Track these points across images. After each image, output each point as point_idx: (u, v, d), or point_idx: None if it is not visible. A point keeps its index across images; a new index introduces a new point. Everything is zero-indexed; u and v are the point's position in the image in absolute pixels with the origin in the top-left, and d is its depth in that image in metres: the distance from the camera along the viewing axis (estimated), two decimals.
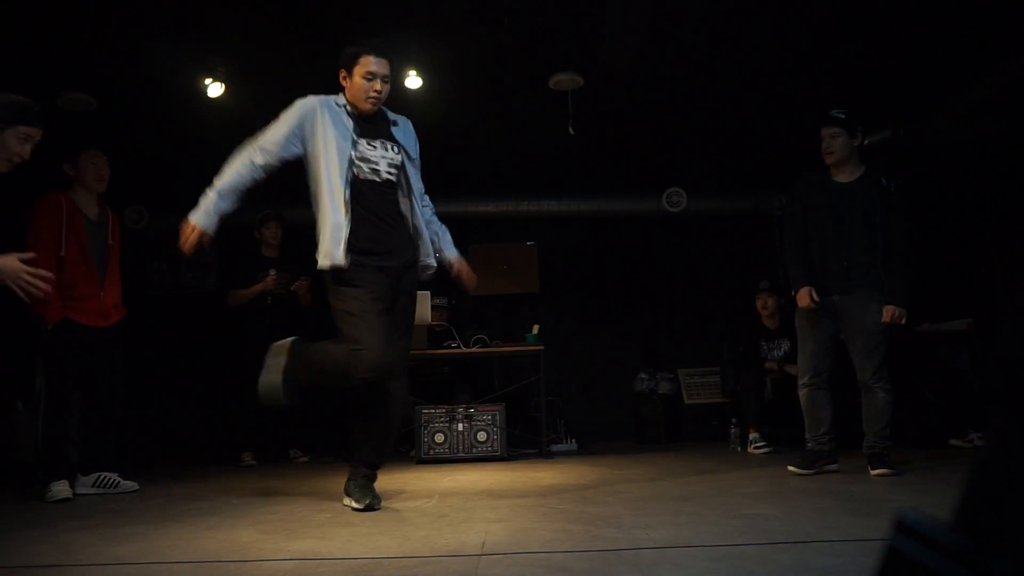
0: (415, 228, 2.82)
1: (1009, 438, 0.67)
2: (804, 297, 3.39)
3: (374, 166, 2.71)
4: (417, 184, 2.89)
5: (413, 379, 5.42)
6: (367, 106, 2.73)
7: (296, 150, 2.71)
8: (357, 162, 2.67)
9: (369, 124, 2.77)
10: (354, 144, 2.67)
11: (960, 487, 0.65)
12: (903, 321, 3.26)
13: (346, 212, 2.61)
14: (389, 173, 2.75)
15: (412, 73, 4.47)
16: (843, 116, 3.40)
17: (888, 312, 3.22)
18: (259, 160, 2.69)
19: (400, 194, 2.78)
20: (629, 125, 5.38)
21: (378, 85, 2.70)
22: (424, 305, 4.85)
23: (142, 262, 6.24)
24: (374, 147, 2.73)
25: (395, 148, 2.79)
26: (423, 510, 2.63)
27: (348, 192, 2.63)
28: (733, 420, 4.98)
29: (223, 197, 2.71)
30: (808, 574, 1.55)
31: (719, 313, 6.25)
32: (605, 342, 6.42)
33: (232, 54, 4.22)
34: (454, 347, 4.89)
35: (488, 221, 6.49)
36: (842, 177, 3.43)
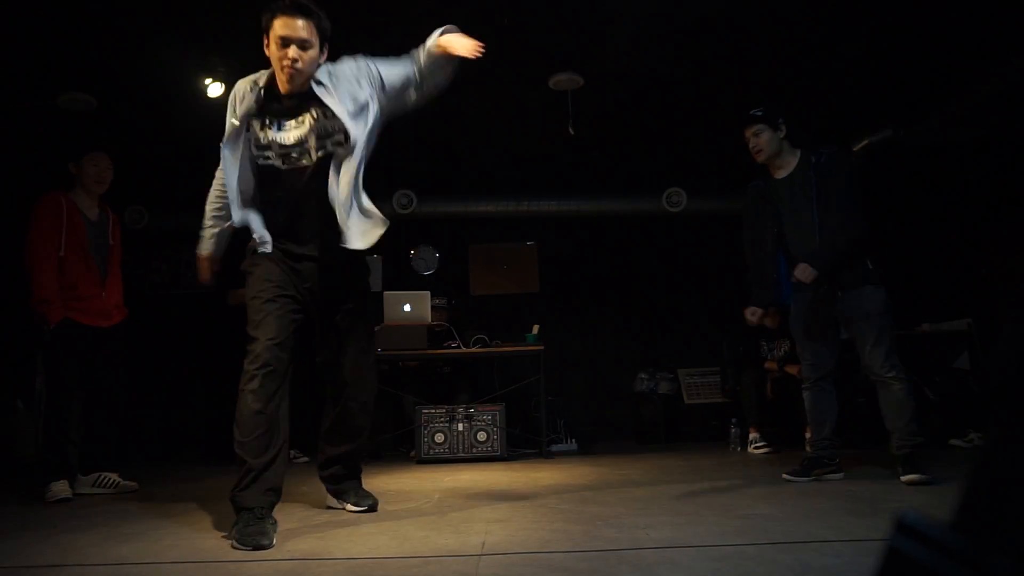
0: (348, 209, 2.39)
1: (1009, 438, 0.67)
2: (748, 315, 3.46)
3: (285, 151, 2.35)
4: (359, 150, 2.40)
5: (413, 379, 5.43)
6: (283, 77, 2.31)
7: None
8: (255, 150, 2.36)
9: (288, 101, 2.36)
10: (248, 128, 2.35)
11: (960, 487, 0.65)
12: (806, 279, 3.14)
13: (241, 204, 2.38)
14: (301, 155, 2.35)
15: None
16: (760, 112, 3.36)
17: (797, 268, 3.16)
18: (220, 175, 2.53)
19: (322, 174, 2.37)
20: (629, 125, 5.38)
21: (292, 52, 2.24)
22: (424, 305, 4.85)
23: (142, 262, 6.24)
24: (284, 129, 2.35)
25: (318, 115, 2.34)
26: (423, 510, 2.63)
27: (244, 184, 2.37)
28: (733, 420, 4.98)
29: (210, 219, 2.63)
30: (808, 574, 1.55)
31: (719, 313, 6.25)
32: (605, 342, 6.43)
33: (232, 54, 4.22)
34: (454, 347, 4.89)
35: (488, 221, 6.49)
36: (781, 172, 3.37)
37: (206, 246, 2.66)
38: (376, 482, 3.58)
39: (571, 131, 4.85)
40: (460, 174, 6.10)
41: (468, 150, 5.64)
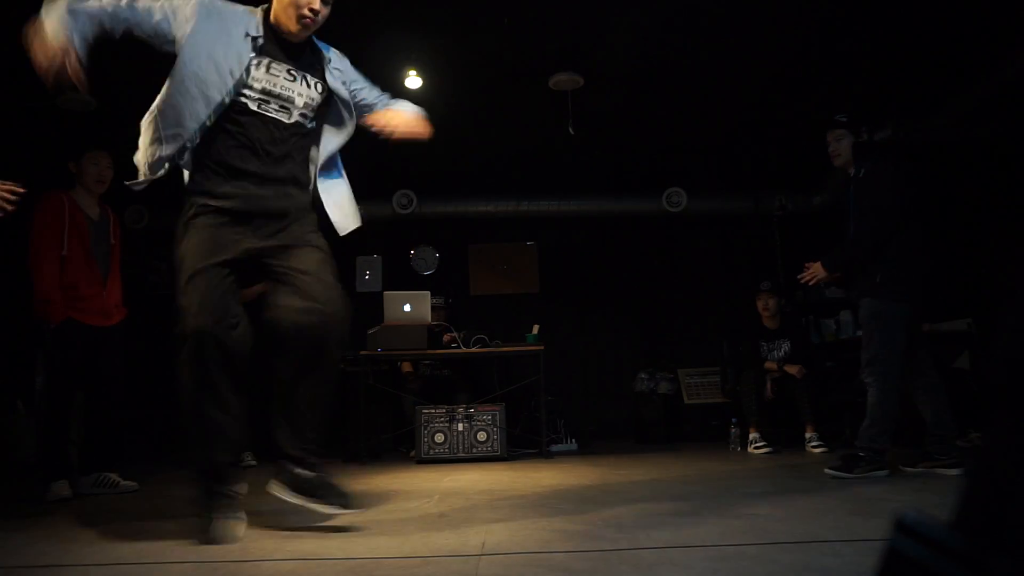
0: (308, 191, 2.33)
1: (1009, 438, 0.67)
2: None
3: (284, 103, 2.22)
4: (333, 139, 2.38)
5: (413, 379, 5.44)
6: (295, 28, 2.19)
7: (151, 25, 2.11)
8: (249, 90, 2.16)
9: (292, 48, 2.25)
10: (251, 64, 2.15)
11: (960, 487, 0.65)
12: (810, 282, 3.41)
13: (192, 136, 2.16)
14: (302, 115, 2.27)
15: (412, 73, 4.47)
16: (845, 119, 3.47)
17: (813, 265, 3.38)
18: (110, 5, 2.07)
19: (304, 145, 2.31)
20: (629, 125, 5.38)
21: (317, 3, 2.16)
22: (424, 305, 4.85)
23: (142, 262, 6.24)
24: (292, 78, 2.23)
25: (320, 87, 2.30)
26: (423, 510, 2.63)
27: (211, 119, 2.14)
28: (733, 420, 4.98)
29: (76, 17, 2.03)
30: (808, 574, 1.54)
31: (719, 313, 6.26)
32: (605, 342, 6.43)
33: None
34: (454, 347, 4.89)
35: (488, 221, 6.49)
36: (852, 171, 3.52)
37: (69, 37, 2.01)
38: (376, 482, 3.58)
39: (571, 131, 4.85)
40: (460, 174, 6.10)
41: (468, 150, 5.64)
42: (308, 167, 2.38)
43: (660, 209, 6.27)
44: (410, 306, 4.80)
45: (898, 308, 3.19)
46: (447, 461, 4.43)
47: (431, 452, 4.49)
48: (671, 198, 6.24)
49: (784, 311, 5.09)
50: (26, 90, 4.34)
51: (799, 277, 3.49)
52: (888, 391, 3.16)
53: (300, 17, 2.17)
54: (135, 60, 4.15)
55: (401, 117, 2.45)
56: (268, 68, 2.19)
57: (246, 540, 2.15)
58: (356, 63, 2.50)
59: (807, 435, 4.53)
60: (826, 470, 3.21)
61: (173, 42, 2.13)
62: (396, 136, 2.43)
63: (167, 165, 2.27)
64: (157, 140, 2.24)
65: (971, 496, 0.67)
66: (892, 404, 3.16)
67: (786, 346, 4.93)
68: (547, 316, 5.62)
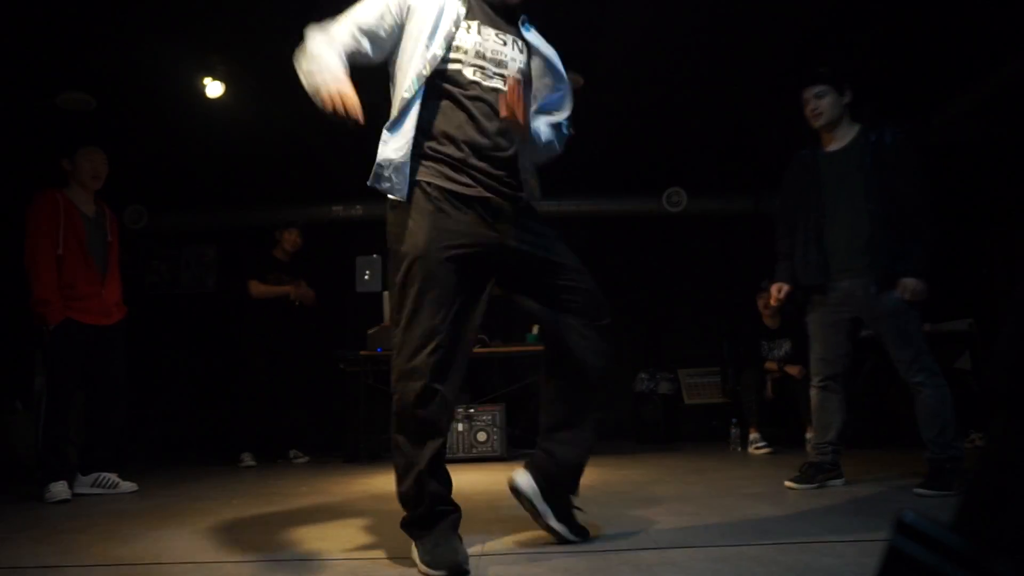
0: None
1: (1010, 439, 0.67)
2: (774, 291, 3.10)
3: (499, 70, 1.90)
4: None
5: None
6: None
7: (389, 26, 1.86)
8: (460, 54, 1.86)
9: (499, 10, 1.98)
10: (456, 27, 1.85)
11: (961, 487, 0.65)
12: (923, 297, 2.72)
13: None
14: (493, 75, 1.91)
15: None
16: (826, 71, 2.99)
17: (902, 286, 2.72)
18: (355, 42, 1.84)
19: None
20: (629, 125, 5.38)
21: None
22: None
23: (141, 262, 6.24)
24: (503, 42, 1.93)
25: (524, 52, 2.00)
26: None
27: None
28: (733, 420, 4.98)
29: (334, 48, 1.79)
30: (809, 574, 1.54)
31: (719, 313, 6.25)
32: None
33: (232, 54, 4.22)
34: None
35: None
36: (833, 145, 3.01)
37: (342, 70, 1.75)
38: (376, 482, 3.58)
39: (571, 131, 4.84)
40: None
41: None
42: None
43: (660, 209, 6.27)
44: None
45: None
46: (447, 461, 4.42)
47: None
48: (671, 198, 6.23)
49: (785, 310, 5.09)
50: (25, 90, 4.35)
51: (906, 301, 2.74)
52: (943, 385, 2.72)
53: None
54: (134, 60, 4.17)
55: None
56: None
57: (246, 540, 2.15)
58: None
59: (807, 435, 4.52)
60: (916, 490, 2.63)
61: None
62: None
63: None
64: None
65: (972, 496, 0.67)
66: (950, 397, 2.71)
67: (787, 346, 4.93)
68: None
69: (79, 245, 3.41)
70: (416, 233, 1.81)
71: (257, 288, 4.90)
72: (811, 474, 2.95)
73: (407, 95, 1.81)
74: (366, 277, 6.30)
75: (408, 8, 1.87)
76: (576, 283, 2.02)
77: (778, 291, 3.10)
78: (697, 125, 5.40)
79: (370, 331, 4.77)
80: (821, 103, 2.98)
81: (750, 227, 6.50)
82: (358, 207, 6.07)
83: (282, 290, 4.92)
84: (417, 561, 1.72)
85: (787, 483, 2.95)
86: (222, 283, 6.25)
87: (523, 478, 1.97)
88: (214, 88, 4.32)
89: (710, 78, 4.70)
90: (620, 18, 3.97)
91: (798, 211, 3.06)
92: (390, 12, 1.86)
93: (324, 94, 1.69)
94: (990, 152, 5.21)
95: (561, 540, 1.93)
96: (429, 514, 1.76)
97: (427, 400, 1.75)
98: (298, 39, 1.82)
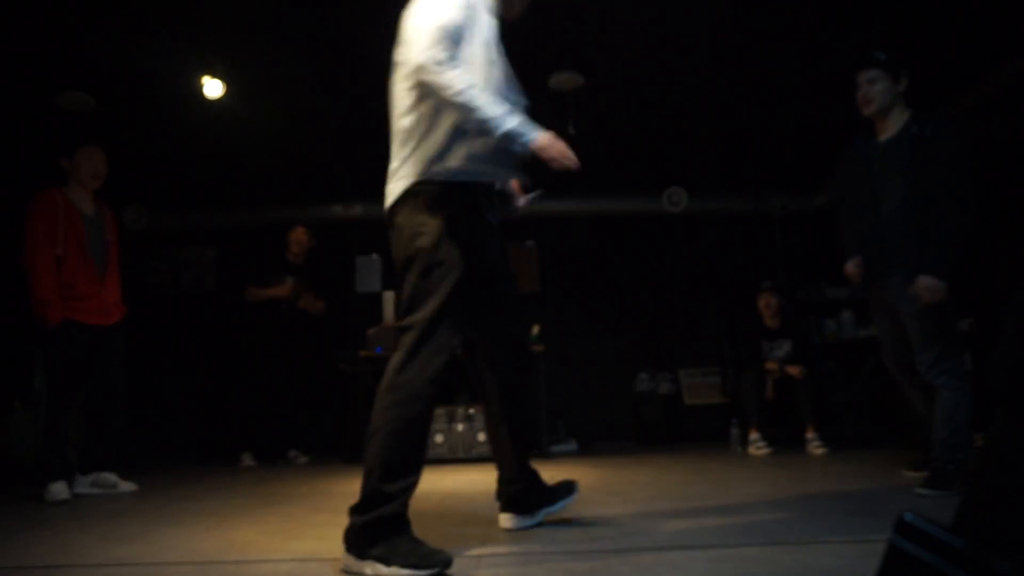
0: None
1: (1010, 439, 0.67)
2: (848, 269, 2.96)
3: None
4: None
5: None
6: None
7: None
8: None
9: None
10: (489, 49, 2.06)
11: (961, 487, 0.65)
12: (940, 297, 2.61)
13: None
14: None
15: None
16: (883, 57, 2.85)
17: (917, 284, 2.63)
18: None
19: None
20: (629, 125, 5.38)
21: None
22: None
23: (141, 262, 6.24)
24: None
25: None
26: (423, 510, 2.62)
27: None
28: (734, 420, 4.97)
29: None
30: (809, 575, 1.54)
31: (719, 313, 6.25)
32: (605, 342, 6.42)
33: (232, 54, 4.21)
34: None
35: None
36: (885, 134, 2.88)
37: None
38: None
39: (571, 131, 4.84)
40: None
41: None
42: None
43: (660, 209, 6.27)
44: None
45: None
46: (447, 461, 4.43)
47: (431, 452, 4.48)
48: (671, 198, 6.24)
49: (785, 310, 5.09)
50: (24, 89, 4.35)
51: (920, 304, 2.67)
52: (962, 388, 2.65)
53: None
54: (134, 59, 4.17)
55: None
56: None
57: (246, 540, 2.15)
58: None
59: (808, 436, 4.52)
60: (917, 490, 2.60)
61: None
62: None
63: None
64: None
65: (972, 497, 0.67)
66: (969, 403, 2.65)
67: (787, 346, 4.92)
68: (547, 316, 5.61)
69: (79, 245, 3.40)
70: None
71: (252, 294, 4.92)
72: (948, 480, 2.63)
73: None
74: (366, 277, 6.30)
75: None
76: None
77: (855, 266, 2.93)
78: (697, 125, 5.40)
79: (369, 331, 4.77)
80: (873, 89, 2.86)
81: (750, 227, 6.50)
82: (358, 207, 6.07)
83: (270, 293, 4.92)
84: (393, 570, 1.64)
85: (918, 491, 2.63)
86: (222, 283, 6.26)
87: (507, 522, 2.19)
88: (213, 88, 4.31)
89: (710, 78, 4.70)
90: (620, 18, 3.97)
91: (854, 206, 3.00)
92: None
93: (554, 152, 2.06)
94: (990, 152, 5.20)
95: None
96: (403, 512, 1.77)
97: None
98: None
